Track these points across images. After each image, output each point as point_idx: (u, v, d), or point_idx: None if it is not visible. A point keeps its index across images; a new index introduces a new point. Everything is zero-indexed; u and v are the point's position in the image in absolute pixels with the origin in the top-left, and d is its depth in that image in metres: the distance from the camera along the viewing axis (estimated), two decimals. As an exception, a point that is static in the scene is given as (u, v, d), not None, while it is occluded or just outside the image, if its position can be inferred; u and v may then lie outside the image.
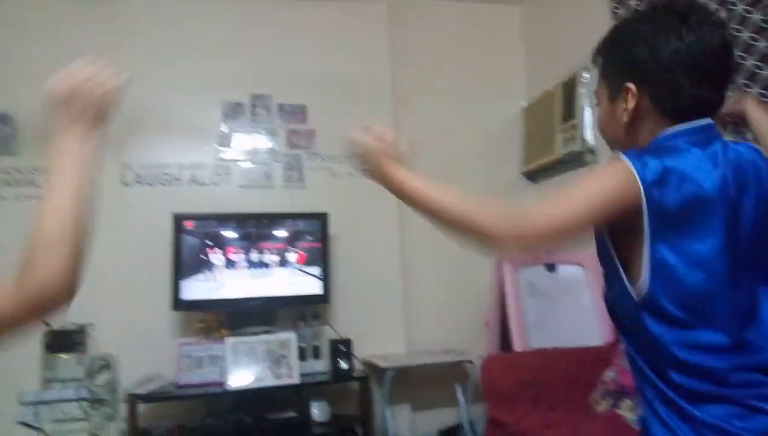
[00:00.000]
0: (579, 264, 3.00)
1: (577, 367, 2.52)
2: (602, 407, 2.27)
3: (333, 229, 3.12)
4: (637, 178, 0.91)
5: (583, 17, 3.19)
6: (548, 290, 2.98)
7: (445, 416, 3.29)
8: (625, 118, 1.03)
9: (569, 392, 2.43)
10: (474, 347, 3.22)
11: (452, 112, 3.59)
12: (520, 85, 3.71)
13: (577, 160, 3.14)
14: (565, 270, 3.02)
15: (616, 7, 2.82)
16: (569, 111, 3.17)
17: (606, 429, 2.09)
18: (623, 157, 0.94)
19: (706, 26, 0.98)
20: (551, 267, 3.01)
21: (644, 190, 0.90)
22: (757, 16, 2.08)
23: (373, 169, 1.14)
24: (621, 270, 0.96)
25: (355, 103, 3.32)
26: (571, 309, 2.95)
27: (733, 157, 0.98)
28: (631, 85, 1.01)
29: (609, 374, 2.32)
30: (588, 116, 3.07)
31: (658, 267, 0.92)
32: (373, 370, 3.06)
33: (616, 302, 1.01)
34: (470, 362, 3.06)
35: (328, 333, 3.10)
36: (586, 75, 3.09)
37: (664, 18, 1.00)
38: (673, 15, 0.99)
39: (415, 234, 3.38)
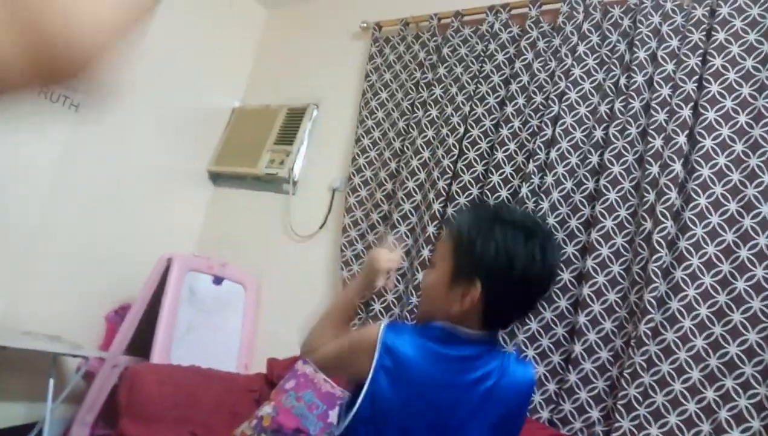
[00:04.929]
0: (242, 284, 2.88)
1: (226, 394, 2.36)
2: (252, 442, 2.16)
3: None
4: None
5: (332, 49, 3.19)
6: (207, 303, 2.74)
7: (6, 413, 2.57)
8: (456, 309, 1.01)
9: (213, 419, 2.24)
10: (87, 340, 2.67)
11: (163, 82, 3.03)
12: (238, 83, 3.49)
13: (276, 184, 3.10)
14: (228, 286, 2.84)
15: (374, 56, 2.89)
16: (288, 137, 3.13)
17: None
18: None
19: (549, 253, 1.00)
20: (218, 280, 2.79)
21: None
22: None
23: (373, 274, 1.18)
24: None
25: None
26: (219, 329, 2.78)
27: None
28: (478, 286, 0.98)
29: (266, 410, 2.24)
30: (303, 151, 3.09)
31: None
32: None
33: None
34: (85, 358, 2.51)
35: None
36: (316, 112, 3.14)
37: (523, 232, 0.99)
38: (528, 231, 1.00)
39: (82, 180, 2.70)
